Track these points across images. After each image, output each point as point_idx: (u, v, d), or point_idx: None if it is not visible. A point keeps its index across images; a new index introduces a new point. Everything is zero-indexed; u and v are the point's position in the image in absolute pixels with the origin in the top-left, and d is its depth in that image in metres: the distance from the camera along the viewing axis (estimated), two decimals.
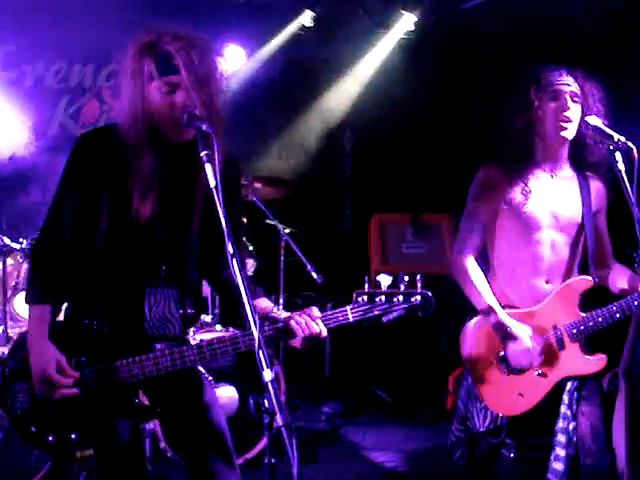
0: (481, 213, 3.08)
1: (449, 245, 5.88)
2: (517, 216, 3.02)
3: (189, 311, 2.59)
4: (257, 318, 2.01)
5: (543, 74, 3.00)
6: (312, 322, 2.39)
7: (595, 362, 2.97)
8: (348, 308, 2.43)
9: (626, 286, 3.02)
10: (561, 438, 2.99)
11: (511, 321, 2.95)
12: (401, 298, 2.44)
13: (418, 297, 2.44)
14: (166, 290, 2.50)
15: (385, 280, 2.45)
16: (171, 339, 2.52)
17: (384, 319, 2.46)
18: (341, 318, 2.43)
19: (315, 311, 2.43)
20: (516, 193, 3.01)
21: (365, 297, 2.44)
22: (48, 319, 2.41)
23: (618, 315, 2.87)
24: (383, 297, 2.44)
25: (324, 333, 2.41)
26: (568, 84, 2.96)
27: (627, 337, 3.88)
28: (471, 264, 3.07)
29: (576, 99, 2.96)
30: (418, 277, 2.46)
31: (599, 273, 3.08)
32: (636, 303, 2.85)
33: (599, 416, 2.98)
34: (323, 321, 2.42)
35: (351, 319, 2.44)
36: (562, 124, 2.94)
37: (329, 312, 2.44)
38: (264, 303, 2.53)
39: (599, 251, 3.12)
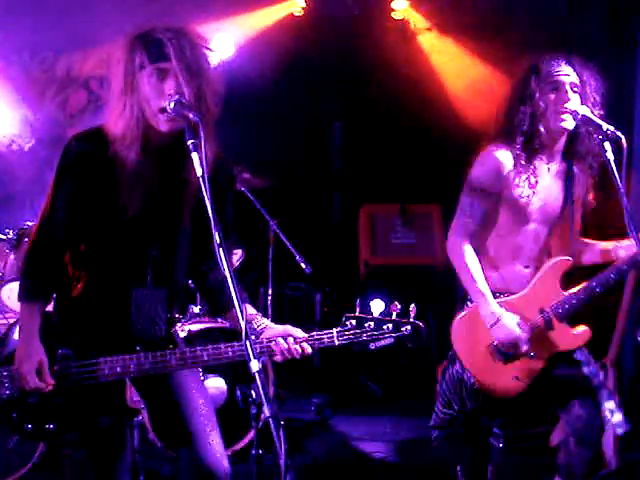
0: (483, 200, 3.05)
1: (438, 235, 5.89)
2: (513, 208, 3.03)
3: (175, 315, 2.61)
4: (245, 310, 2.00)
5: (542, 64, 2.99)
6: (294, 346, 2.38)
7: (581, 334, 3.02)
8: (335, 331, 2.39)
9: (599, 259, 3.15)
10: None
11: (500, 310, 2.96)
12: (391, 326, 2.38)
13: (409, 327, 2.38)
14: (153, 291, 2.50)
15: (377, 306, 2.39)
16: (157, 340, 2.52)
17: (371, 346, 2.39)
18: (327, 341, 2.40)
19: (299, 333, 2.41)
20: (522, 186, 3.00)
21: (353, 321, 2.38)
22: (39, 316, 2.46)
23: (598, 290, 2.94)
24: (372, 323, 2.37)
25: (308, 351, 2.39)
26: (567, 74, 2.96)
27: (615, 327, 3.91)
28: (468, 248, 3.06)
29: (576, 89, 2.96)
30: (412, 307, 2.40)
31: (562, 251, 3.13)
32: (612, 276, 2.93)
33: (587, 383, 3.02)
34: (308, 342, 2.39)
35: (336, 343, 2.39)
36: (562, 115, 2.94)
37: (315, 333, 2.40)
38: (249, 310, 2.52)
39: (566, 230, 3.15)
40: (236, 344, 2.38)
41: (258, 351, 2.39)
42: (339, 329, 2.39)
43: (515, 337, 2.93)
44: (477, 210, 3.05)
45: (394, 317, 2.38)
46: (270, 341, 2.39)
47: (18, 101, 5.82)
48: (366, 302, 2.42)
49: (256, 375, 1.92)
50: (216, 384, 4.05)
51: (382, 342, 2.38)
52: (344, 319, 2.39)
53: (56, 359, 2.42)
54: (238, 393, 2.13)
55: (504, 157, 3.01)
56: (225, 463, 2.53)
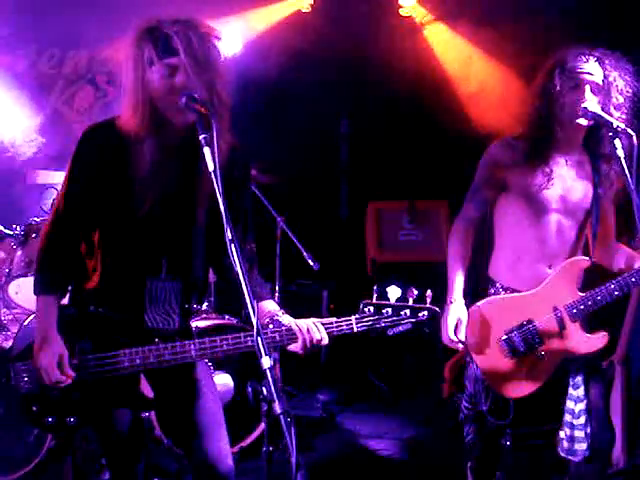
0: (486, 189, 3.11)
1: (446, 232, 5.87)
2: (528, 197, 3.03)
3: (192, 306, 2.60)
4: (256, 305, 1.99)
5: (569, 57, 2.96)
6: (314, 328, 2.38)
7: (597, 340, 2.98)
8: (353, 318, 2.41)
9: (623, 265, 3.07)
10: (568, 418, 3.04)
11: (455, 297, 3.03)
12: (408, 312, 2.41)
13: (426, 312, 2.42)
14: (168, 283, 2.50)
15: (394, 292, 2.41)
16: (171, 333, 2.51)
17: (389, 332, 2.43)
18: (346, 328, 2.42)
19: (314, 328, 2.40)
20: (536, 175, 3.00)
21: (371, 308, 2.41)
22: (56, 309, 2.45)
23: (617, 293, 2.88)
24: (390, 309, 2.41)
25: (325, 340, 2.40)
26: (591, 73, 2.92)
27: (623, 325, 3.89)
28: (458, 234, 3.12)
29: (596, 90, 2.93)
30: (428, 292, 2.43)
31: (600, 254, 3.10)
32: (633, 280, 2.87)
33: (599, 394, 3.02)
34: (327, 329, 2.40)
35: (355, 330, 2.42)
36: (578, 114, 2.92)
37: (334, 320, 2.42)
38: (270, 305, 2.52)
39: (603, 234, 3.13)
40: None
41: (278, 340, 2.39)
42: (357, 316, 2.41)
43: (447, 328, 2.97)
44: (478, 197, 3.12)
45: (411, 303, 2.41)
46: (291, 331, 2.39)
47: (25, 97, 5.81)
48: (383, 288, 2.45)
49: (267, 372, 1.92)
50: (223, 381, 4.04)
51: (400, 328, 2.42)
52: (362, 306, 2.42)
53: (75, 352, 2.42)
54: (249, 389, 2.12)
55: (507, 148, 3.05)
56: (229, 460, 2.53)
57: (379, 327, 2.41)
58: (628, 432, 3.68)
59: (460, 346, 3.01)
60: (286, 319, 2.45)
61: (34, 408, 2.44)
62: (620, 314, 3.88)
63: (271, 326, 2.42)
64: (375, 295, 2.42)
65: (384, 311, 2.40)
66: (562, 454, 3.09)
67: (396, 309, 2.41)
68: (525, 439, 3.48)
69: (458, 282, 3.06)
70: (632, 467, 3.57)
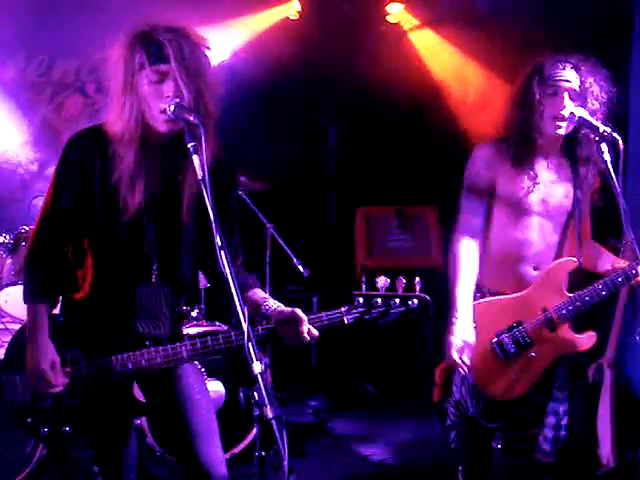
0: (480, 192, 3.08)
1: (435, 237, 5.90)
2: (512, 201, 3.04)
3: (182, 308, 2.60)
4: (246, 311, 2.00)
5: (546, 65, 2.99)
6: (302, 329, 2.37)
7: (586, 340, 3.02)
8: (343, 310, 2.41)
9: (610, 269, 3.08)
10: (551, 419, 3.07)
11: (462, 314, 2.99)
12: (398, 301, 2.41)
13: (415, 300, 2.41)
14: (158, 288, 2.50)
15: (382, 282, 2.42)
16: (163, 338, 2.52)
17: (380, 321, 2.43)
18: (336, 320, 2.42)
19: (303, 317, 2.38)
20: (522, 179, 3.02)
21: (361, 299, 2.41)
22: (46, 317, 2.44)
23: (604, 293, 2.92)
24: (379, 299, 2.41)
25: (315, 334, 2.39)
26: (568, 80, 2.96)
27: (612, 328, 3.92)
28: (463, 248, 3.07)
29: (574, 96, 2.96)
30: (417, 280, 2.43)
31: (584, 254, 3.11)
32: (620, 280, 2.91)
33: (582, 396, 3.04)
34: (317, 322, 2.40)
35: (346, 321, 2.41)
36: (557, 122, 2.96)
37: (324, 314, 2.42)
38: (259, 294, 2.53)
39: (583, 234, 3.14)
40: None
41: (268, 334, 2.39)
42: (347, 307, 2.41)
43: (452, 348, 2.94)
44: (476, 205, 3.09)
45: (400, 292, 2.41)
46: (279, 326, 2.39)
47: (13, 105, 5.80)
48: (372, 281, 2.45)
49: (258, 377, 1.93)
50: (215, 388, 4.04)
51: (390, 317, 2.42)
52: (352, 297, 2.41)
53: (66, 360, 2.41)
54: (241, 395, 2.13)
55: (493, 149, 3.06)
56: (223, 468, 2.52)
57: (370, 317, 2.41)
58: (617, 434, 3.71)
59: (465, 370, 2.98)
60: (274, 306, 2.45)
61: (29, 419, 2.44)
62: (608, 316, 3.91)
63: (259, 322, 2.43)
64: (364, 286, 2.43)
65: (374, 301, 2.41)
66: (541, 456, 3.10)
67: (386, 298, 2.41)
68: (516, 442, 3.51)
69: (462, 297, 3.01)
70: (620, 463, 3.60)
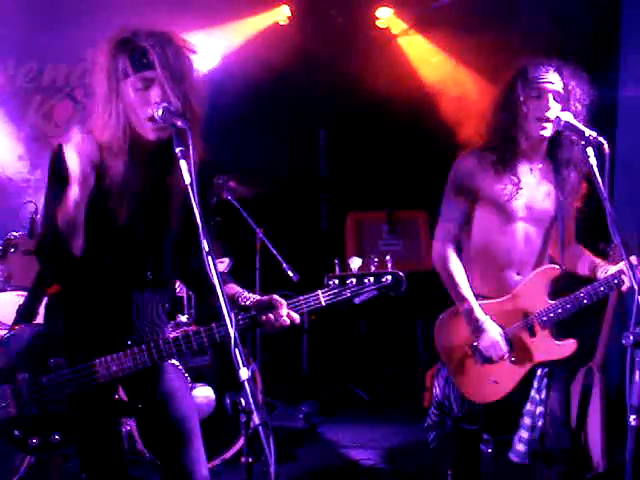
0: (461, 202, 3.11)
1: (425, 242, 5.91)
2: (497, 207, 3.06)
3: (167, 306, 2.59)
4: (233, 316, 2.00)
5: (529, 69, 3.01)
6: (282, 316, 2.38)
7: (565, 347, 3.04)
8: (320, 292, 2.44)
9: (587, 272, 3.12)
10: (527, 421, 3.09)
11: (483, 316, 3.00)
12: (372, 279, 2.46)
13: (389, 277, 2.47)
14: (151, 294, 2.50)
15: (356, 262, 2.46)
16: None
17: (356, 300, 2.47)
18: (313, 303, 2.44)
19: (282, 302, 2.40)
20: (505, 185, 3.04)
21: (336, 280, 2.45)
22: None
23: (585, 301, 2.96)
24: (354, 279, 2.45)
25: (296, 320, 2.41)
26: (552, 82, 2.98)
27: (601, 332, 3.93)
28: (451, 253, 3.11)
29: (558, 99, 2.98)
30: (388, 257, 2.48)
31: (566, 258, 3.14)
32: (602, 289, 2.94)
33: (559, 401, 3.05)
34: (296, 306, 2.42)
35: (323, 303, 2.44)
36: (542, 124, 2.97)
37: (301, 297, 2.44)
38: (234, 288, 2.54)
39: (567, 238, 3.18)
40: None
41: (248, 323, 2.39)
42: (323, 289, 2.44)
43: (494, 342, 2.97)
44: (456, 213, 3.11)
45: (373, 270, 2.45)
46: (259, 314, 2.39)
47: (2, 112, 5.79)
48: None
49: (245, 383, 1.92)
50: (204, 393, 4.03)
51: (366, 295, 2.46)
52: (326, 279, 2.45)
53: (49, 369, 2.36)
54: (227, 401, 2.11)
55: (476, 159, 3.08)
56: (205, 470, 2.51)
57: (346, 297, 2.44)
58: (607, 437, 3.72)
59: (502, 355, 3.00)
60: (251, 298, 2.47)
61: (16, 432, 2.38)
62: (597, 320, 3.92)
63: (239, 313, 2.41)
64: (337, 268, 2.46)
65: (348, 281, 2.44)
66: (514, 457, 3.13)
67: (360, 277, 2.45)
68: (506, 446, 3.51)
69: (473, 300, 3.05)
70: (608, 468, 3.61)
